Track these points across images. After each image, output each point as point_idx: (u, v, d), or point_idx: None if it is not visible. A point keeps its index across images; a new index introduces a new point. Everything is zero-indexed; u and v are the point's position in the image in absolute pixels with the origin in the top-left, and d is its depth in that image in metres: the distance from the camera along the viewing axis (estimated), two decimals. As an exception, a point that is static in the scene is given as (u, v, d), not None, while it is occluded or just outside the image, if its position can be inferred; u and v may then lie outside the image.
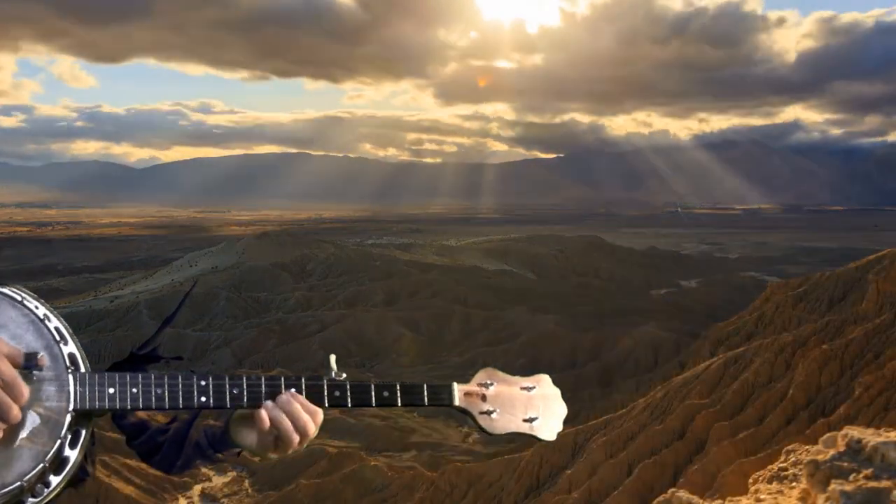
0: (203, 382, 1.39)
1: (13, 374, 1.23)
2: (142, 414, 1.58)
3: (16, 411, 1.23)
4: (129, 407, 1.35)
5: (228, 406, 1.43)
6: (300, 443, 1.46)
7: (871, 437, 2.11)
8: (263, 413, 1.42)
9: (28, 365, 1.27)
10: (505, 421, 1.51)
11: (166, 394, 1.37)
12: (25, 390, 1.24)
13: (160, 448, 1.58)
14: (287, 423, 1.43)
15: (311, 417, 1.45)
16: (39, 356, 1.28)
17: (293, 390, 1.46)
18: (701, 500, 3.22)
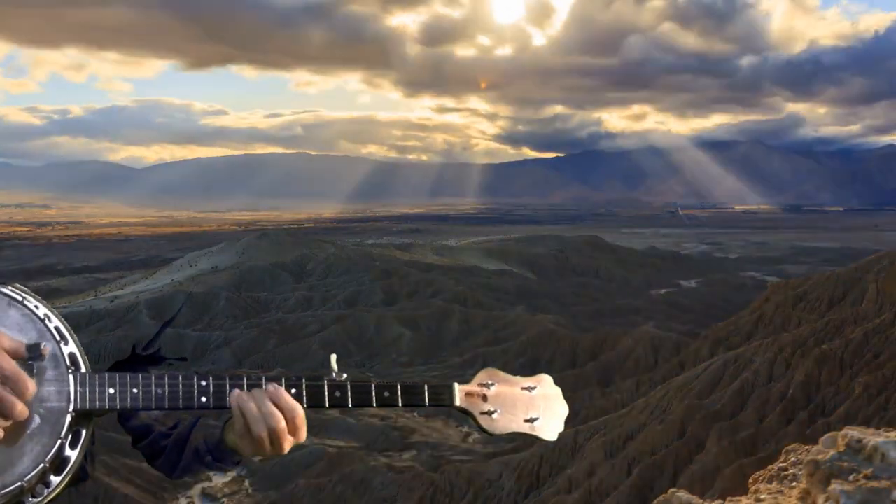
0: (204, 383, 1.39)
1: (15, 368, 1.21)
2: (144, 416, 1.57)
3: (20, 407, 1.20)
4: (129, 407, 1.35)
5: (229, 406, 1.42)
6: (272, 438, 1.38)
7: (871, 437, 2.11)
8: (232, 398, 1.38)
9: (32, 356, 1.26)
10: (506, 421, 1.51)
11: (167, 394, 1.36)
12: (31, 384, 1.22)
13: (163, 451, 1.57)
14: (252, 409, 1.36)
15: (285, 413, 1.38)
16: (42, 346, 1.27)
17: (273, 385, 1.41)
18: (701, 500, 3.22)
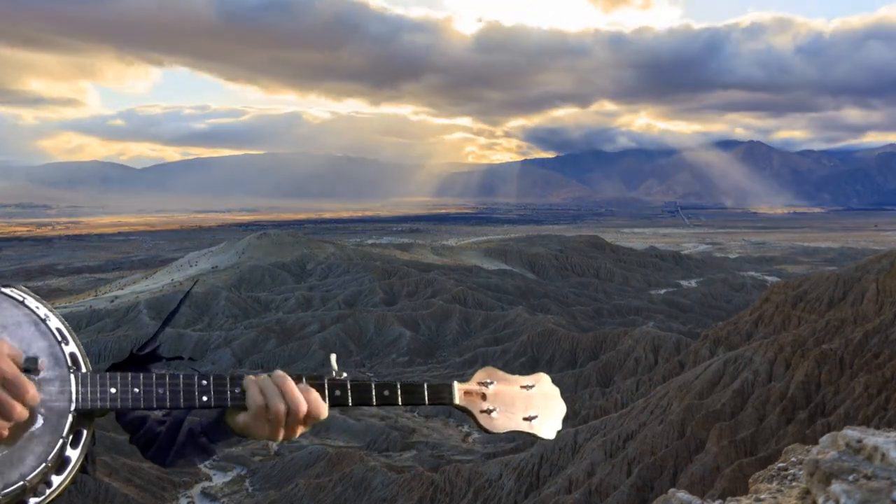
0: (204, 382, 1.40)
1: (15, 371, 1.23)
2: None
3: (19, 409, 1.22)
4: (130, 407, 1.36)
5: (230, 406, 1.43)
6: (293, 422, 1.43)
7: (871, 436, 2.11)
8: (251, 382, 1.42)
9: (27, 368, 1.27)
10: (505, 420, 1.52)
11: (167, 393, 1.38)
12: (30, 387, 1.24)
13: (157, 438, 1.58)
14: (274, 391, 1.41)
15: (305, 395, 1.43)
16: (39, 361, 1.29)
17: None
18: (701, 500, 3.23)
